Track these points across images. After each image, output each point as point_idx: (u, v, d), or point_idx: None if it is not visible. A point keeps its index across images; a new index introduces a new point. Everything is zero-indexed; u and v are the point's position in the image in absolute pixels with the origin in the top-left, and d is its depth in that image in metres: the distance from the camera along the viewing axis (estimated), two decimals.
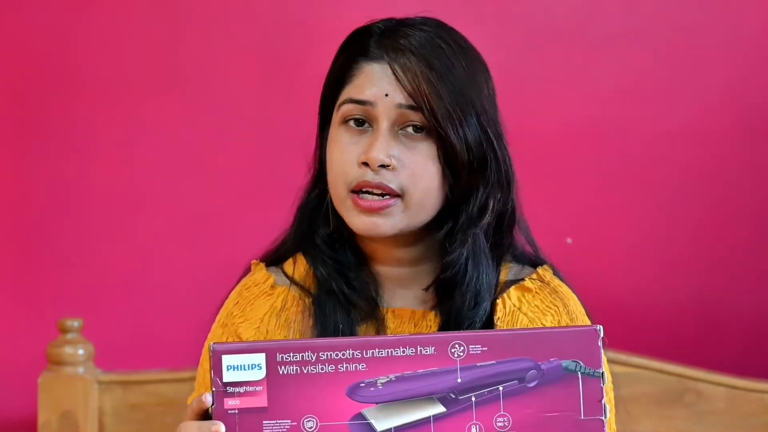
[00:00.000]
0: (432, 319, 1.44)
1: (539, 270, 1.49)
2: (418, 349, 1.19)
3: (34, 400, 2.01)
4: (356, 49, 1.41)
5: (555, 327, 1.25)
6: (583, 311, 1.49)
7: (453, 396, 1.18)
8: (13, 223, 2.21)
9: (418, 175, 1.37)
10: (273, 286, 1.48)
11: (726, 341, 2.24)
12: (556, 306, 1.45)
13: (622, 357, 2.02)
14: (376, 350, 1.19)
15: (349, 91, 1.40)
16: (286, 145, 2.15)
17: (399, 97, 1.36)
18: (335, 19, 2.15)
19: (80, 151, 2.20)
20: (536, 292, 1.46)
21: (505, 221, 1.44)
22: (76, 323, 1.99)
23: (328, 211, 1.45)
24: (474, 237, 1.40)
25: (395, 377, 1.19)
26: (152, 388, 2.01)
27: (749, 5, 2.21)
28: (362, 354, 1.19)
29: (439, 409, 1.18)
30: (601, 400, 1.20)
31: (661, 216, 2.24)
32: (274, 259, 1.52)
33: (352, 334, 1.42)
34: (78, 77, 2.20)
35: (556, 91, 2.21)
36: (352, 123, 1.39)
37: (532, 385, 1.19)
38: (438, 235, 1.42)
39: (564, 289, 1.49)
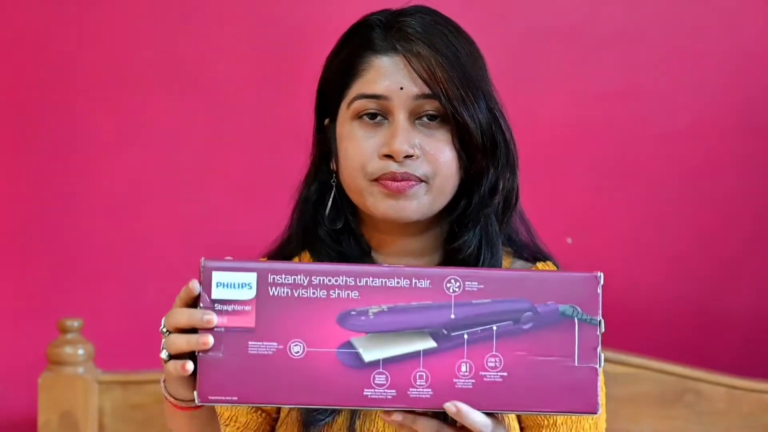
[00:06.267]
0: None
1: (539, 265, 1.49)
2: (413, 281, 1.16)
3: (34, 400, 2.01)
4: (360, 43, 1.41)
5: (555, 271, 1.21)
6: None
7: (445, 332, 1.15)
8: (14, 223, 2.21)
9: (440, 161, 1.39)
10: None
11: (726, 341, 2.24)
12: None
13: (622, 357, 2.02)
14: (370, 279, 1.16)
15: (360, 87, 1.40)
16: (286, 145, 2.15)
17: (415, 87, 1.37)
18: (335, 18, 2.15)
19: (80, 151, 2.21)
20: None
21: (512, 203, 1.45)
22: (76, 323, 2.00)
23: (332, 204, 1.45)
24: (486, 217, 1.42)
25: (387, 308, 1.16)
26: (152, 388, 2.01)
27: (749, 5, 2.21)
28: (356, 282, 1.16)
29: (430, 344, 1.15)
30: (596, 348, 1.16)
31: (661, 216, 2.24)
32: (279, 257, 1.52)
33: None
34: (78, 77, 2.20)
35: (555, 90, 2.21)
36: (366, 117, 1.40)
37: (527, 327, 1.16)
38: (450, 218, 1.44)
39: None
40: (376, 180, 1.39)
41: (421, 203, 1.39)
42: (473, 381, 1.14)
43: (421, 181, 1.38)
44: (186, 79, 2.20)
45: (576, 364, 1.16)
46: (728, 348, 2.23)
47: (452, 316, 1.14)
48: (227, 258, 1.22)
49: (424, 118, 1.39)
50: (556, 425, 1.40)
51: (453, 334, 1.14)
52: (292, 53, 2.19)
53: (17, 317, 2.21)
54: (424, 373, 1.15)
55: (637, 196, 2.24)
